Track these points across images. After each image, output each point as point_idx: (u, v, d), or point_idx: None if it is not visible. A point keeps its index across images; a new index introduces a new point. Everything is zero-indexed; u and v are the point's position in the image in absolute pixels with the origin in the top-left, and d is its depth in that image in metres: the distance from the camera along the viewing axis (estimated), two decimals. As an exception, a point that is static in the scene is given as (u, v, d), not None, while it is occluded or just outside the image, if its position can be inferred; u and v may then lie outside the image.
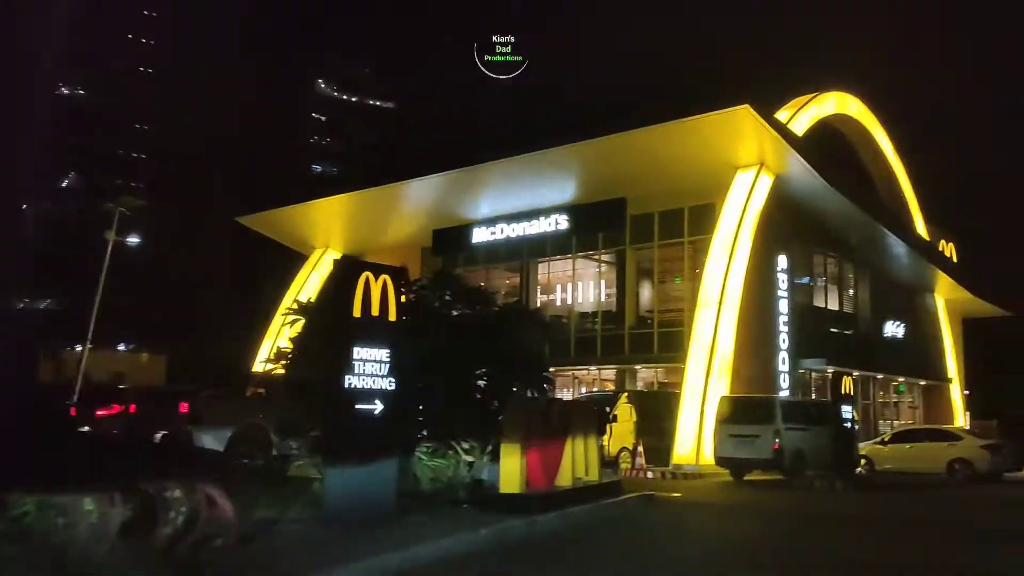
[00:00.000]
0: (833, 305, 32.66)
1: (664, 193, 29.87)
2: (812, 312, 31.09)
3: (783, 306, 28.52)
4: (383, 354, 9.66)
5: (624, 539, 10.56)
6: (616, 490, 12.97)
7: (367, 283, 9.68)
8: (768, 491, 19.94)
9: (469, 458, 11.51)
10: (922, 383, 35.41)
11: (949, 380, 35.78)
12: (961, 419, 36.36)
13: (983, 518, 15.20)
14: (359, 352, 9.51)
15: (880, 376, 32.79)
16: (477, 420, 11.93)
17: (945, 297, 36.62)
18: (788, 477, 22.01)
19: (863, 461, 26.48)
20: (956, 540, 11.76)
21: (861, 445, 27.13)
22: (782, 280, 28.64)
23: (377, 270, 9.89)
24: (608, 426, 24.75)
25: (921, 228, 36.20)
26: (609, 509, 12.00)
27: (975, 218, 47.00)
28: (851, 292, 33.68)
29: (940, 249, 37.32)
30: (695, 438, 24.87)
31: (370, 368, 9.57)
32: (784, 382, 28.25)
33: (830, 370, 30.43)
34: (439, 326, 12.31)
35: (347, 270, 10.30)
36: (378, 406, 9.55)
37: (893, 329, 34.47)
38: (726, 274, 26.40)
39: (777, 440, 21.75)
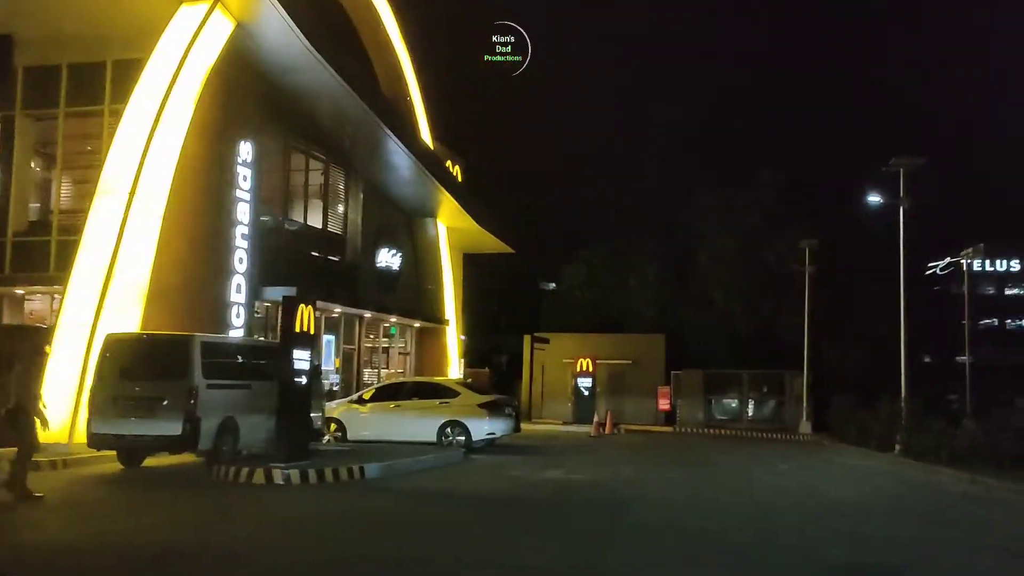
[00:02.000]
0: (316, 221, 25.34)
1: (78, 37, 19.92)
2: (287, 228, 23.43)
3: (243, 212, 20.37)
4: None
5: None
6: None
7: None
8: (158, 502, 11.54)
9: None
10: (416, 325, 29.86)
11: (445, 322, 30.73)
12: (456, 368, 31.69)
13: None
14: None
15: (369, 315, 26.34)
16: None
17: (448, 225, 31.49)
18: (210, 462, 13.95)
19: (333, 427, 19.53)
20: None
21: (333, 405, 20.18)
22: (244, 177, 20.44)
23: None
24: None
25: (428, 141, 30.47)
26: None
27: (485, 148, 43.35)
28: (341, 209, 26.65)
29: (448, 169, 32.13)
30: (73, 401, 15.66)
31: None
32: (238, 318, 20.19)
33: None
34: None
35: None
36: None
37: (388, 258, 28.28)
38: (145, 152, 17.41)
39: (192, 404, 13.54)
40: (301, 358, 13.93)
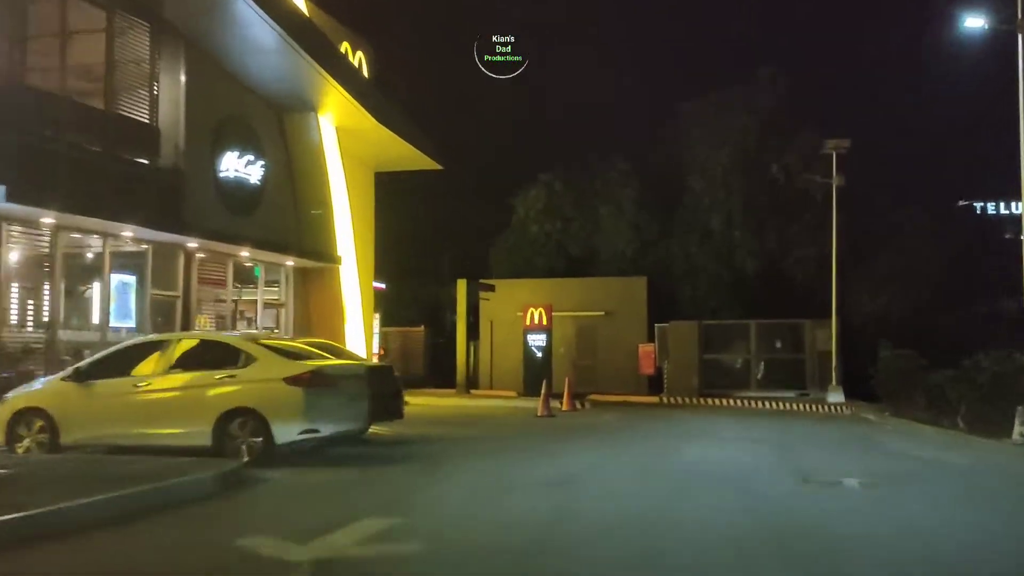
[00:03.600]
0: (95, 100, 16.51)
1: None
2: (32, 102, 14.69)
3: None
4: None
5: None
6: None
7: None
8: None
9: None
10: (289, 263, 21.05)
11: (336, 260, 21.94)
12: (359, 324, 22.97)
13: None
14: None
15: (195, 244, 17.56)
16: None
17: (340, 125, 22.65)
18: None
19: (38, 425, 10.97)
20: None
21: (37, 385, 11.60)
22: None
23: None
24: None
25: (305, 11, 21.43)
26: None
27: (417, 44, 34.37)
28: (156, 89, 17.80)
29: (343, 53, 23.17)
30: None
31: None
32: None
33: (49, 219, 14.37)
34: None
35: None
36: None
37: (240, 167, 19.49)
38: None
39: None
40: None
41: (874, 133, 32.92)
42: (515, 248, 32.34)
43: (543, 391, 19.86)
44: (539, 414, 19.38)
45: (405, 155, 25.16)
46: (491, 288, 28.69)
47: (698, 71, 39.18)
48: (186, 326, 17.67)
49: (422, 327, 31.69)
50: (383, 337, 29.90)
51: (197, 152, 18.28)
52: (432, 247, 34.99)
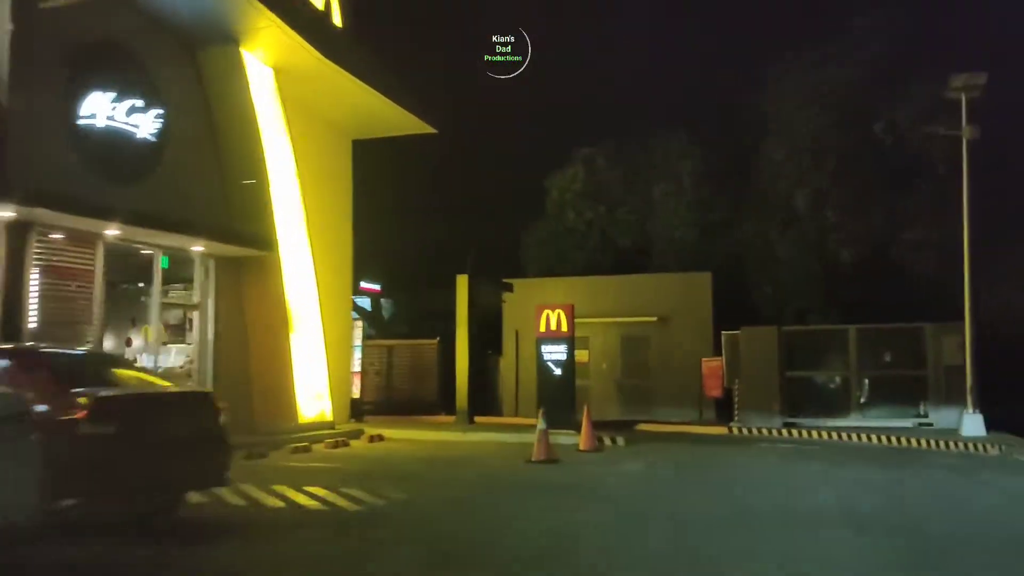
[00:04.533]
0: None
1: None
2: None
3: None
4: None
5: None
6: None
7: None
8: None
9: None
10: (199, 248, 15.22)
11: (267, 247, 16.26)
12: (315, 335, 17.28)
13: None
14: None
15: (12, 214, 12.16)
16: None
17: (277, 65, 17.09)
18: None
19: None
20: None
21: None
22: None
23: None
24: None
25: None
26: None
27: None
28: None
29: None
30: None
31: None
32: None
33: None
34: None
35: None
36: None
37: (117, 114, 14.09)
38: None
39: None
40: None
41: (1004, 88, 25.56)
42: (549, 241, 26.23)
43: (538, 425, 13.74)
44: (533, 459, 13.31)
45: (386, 115, 19.48)
46: (508, 288, 22.68)
47: (782, 31, 32.25)
48: (13, 332, 12.23)
49: (436, 340, 25.78)
50: (382, 352, 24.32)
51: (37, 88, 12.91)
52: (453, 244, 29.14)
